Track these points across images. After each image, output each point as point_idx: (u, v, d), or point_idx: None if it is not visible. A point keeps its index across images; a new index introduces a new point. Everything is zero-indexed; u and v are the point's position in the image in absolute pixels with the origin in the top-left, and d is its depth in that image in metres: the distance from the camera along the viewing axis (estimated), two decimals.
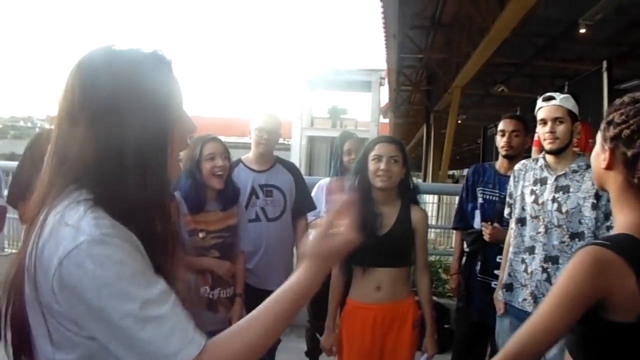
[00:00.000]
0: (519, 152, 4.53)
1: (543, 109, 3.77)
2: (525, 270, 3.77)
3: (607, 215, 3.63)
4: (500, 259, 4.22)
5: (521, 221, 3.88)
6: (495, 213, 4.41)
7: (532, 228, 3.78)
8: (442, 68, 19.02)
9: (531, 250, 3.76)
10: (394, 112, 24.94)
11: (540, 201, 3.74)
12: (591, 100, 7.82)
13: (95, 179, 1.42)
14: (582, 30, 11.56)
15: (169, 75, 1.55)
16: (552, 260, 3.67)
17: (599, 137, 1.98)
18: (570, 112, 3.69)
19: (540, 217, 3.72)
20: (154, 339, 1.32)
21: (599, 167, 1.95)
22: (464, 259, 4.85)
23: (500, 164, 4.62)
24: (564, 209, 3.63)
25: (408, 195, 3.83)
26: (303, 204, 4.88)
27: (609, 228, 3.61)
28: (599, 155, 1.95)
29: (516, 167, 4.04)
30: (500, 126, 4.60)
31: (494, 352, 4.12)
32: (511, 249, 3.93)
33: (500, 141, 4.54)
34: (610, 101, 6.69)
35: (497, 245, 4.27)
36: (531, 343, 1.87)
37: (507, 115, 4.70)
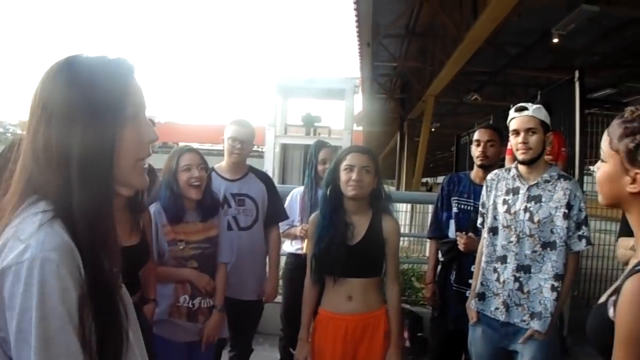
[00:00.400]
0: (494, 161, 4.54)
1: (516, 119, 3.79)
2: (498, 280, 3.80)
3: (579, 225, 3.68)
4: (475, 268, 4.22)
5: (493, 230, 3.89)
6: (470, 223, 4.41)
7: (504, 237, 3.80)
8: (416, 76, 19.10)
9: (503, 259, 3.79)
10: (368, 120, 24.99)
11: (512, 211, 3.77)
12: (563, 109, 7.88)
13: (52, 188, 1.46)
14: (555, 40, 11.63)
15: (127, 82, 1.59)
16: (524, 269, 3.70)
17: (614, 158, 1.88)
18: (542, 123, 3.72)
19: (512, 226, 3.75)
20: None
21: (621, 191, 1.87)
22: (438, 268, 4.83)
23: (475, 173, 4.62)
24: (535, 219, 3.66)
25: (379, 205, 3.82)
26: (275, 213, 4.87)
27: (580, 237, 3.66)
28: (620, 178, 1.85)
29: (488, 177, 4.06)
30: (476, 136, 4.60)
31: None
32: (483, 258, 3.95)
33: (476, 151, 4.55)
34: (582, 110, 6.71)
35: (472, 255, 4.27)
36: None
37: (483, 125, 4.73)
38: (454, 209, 4.61)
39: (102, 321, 1.47)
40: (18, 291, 1.33)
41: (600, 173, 1.95)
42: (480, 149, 4.50)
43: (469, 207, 4.52)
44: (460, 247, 4.38)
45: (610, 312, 1.76)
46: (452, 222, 4.62)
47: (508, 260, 3.75)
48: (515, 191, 3.81)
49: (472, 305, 3.97)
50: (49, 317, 1.34)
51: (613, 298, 1.77)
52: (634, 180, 1.80)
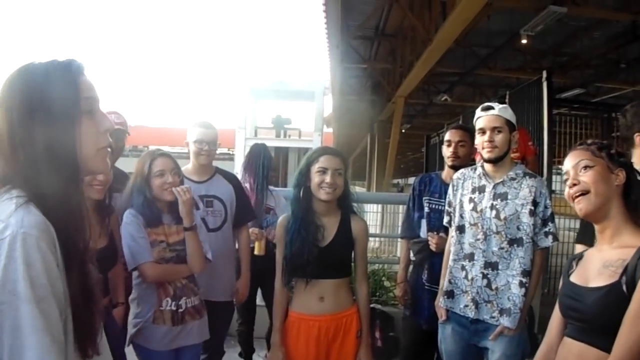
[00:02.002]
0: (465, 162, 4.58)
1: (482, 118, 3.83)
2: (466, 277, 3.83)
3: (545, 221, 3.73)
4: None
5: (460, 229, 3.92)
6: (441, 222, 4.42)
7: (471, 235, 3.84)
8: (386, 78, 19.14)
9: (471, 257, 3.82)
10: (339, 122, 25.00)
11: (478, 209, 3.80)
12: (531, 109, 7.94)
13: (23, 179, 1.60)
14: (524, 41, 11.70)
15: (79, 79, 1.73)
16: (491, 266, 3.73)
17: (602, 162, 2.40)
18: (508, 122, 3.78)
19: (479, 224, 3.78)
20: (35, 347, 1.43)
21: (611, 185, 2.39)
22: (410, 267, 4.86)
23: (446, 173, 4.66)
24: (502, 216, 3.70)
25: (348, 206, 3.83)
26: (244, 213, 4.87)
27: (546, 234, 3.71)
28: (610, 175, 2.39)
29: (455, 175, 4.11)
30: (447, 136, 4.65)
31: (441, 359, 4.14)
32: (451, 257, 3.98)
33: (447, 151, 4.60)
34: (550, 110, 6.79)
35: (443, 254, 4.28)
36: (637, 348, 2.09)
37: (454, 126, 4.76)
38: (426, 209, 4.64)
39: (76, 296, 1.59)
40: (0, 265, 1.42)
41: (594, 174, 2.40)
42: (451, 149, 4.56)
43: (440, 207, 4.54)
44: (432, 247, 4.40)
45: (624, 288, 2.16)
46: (423, 222, 4.65)
47: (475, 257, 3.78)
48: (481, 189, 3.84)
49: (441, 303, 4.00)
50: (35, 286, 1.44)
51: (625, 278, 2.19)
52: (617, 177, 2.35)
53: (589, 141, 2.47)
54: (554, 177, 8.05)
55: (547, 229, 3.72)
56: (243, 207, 4.85)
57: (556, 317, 2.61)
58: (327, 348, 3.68)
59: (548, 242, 3.73)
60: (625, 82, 17.37)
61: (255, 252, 5.20)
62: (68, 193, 1.66)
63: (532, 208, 3.67)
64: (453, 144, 4.57)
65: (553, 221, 3.77)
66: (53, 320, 1.48)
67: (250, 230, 5.14)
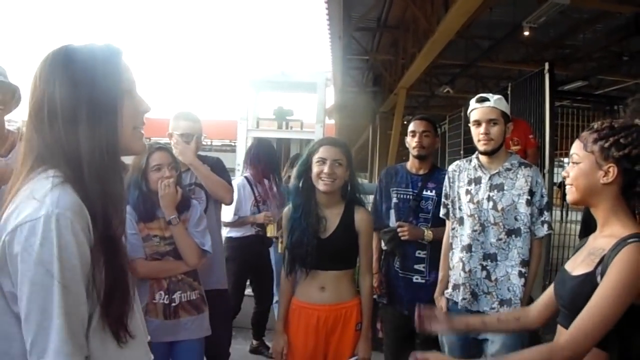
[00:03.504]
0: (430, 152, 4.72)
1: (477, 110, 3.88)
2: (464, 269, 3.83)
3: (541, 211, 3.77)
4: (419, 254, 4.45)
5: (458, 221, 3.95)
6: (409, 210, 4.57)
7: (469, 227, 3.89)
8: (388, 69, 19.08)
9: (469, 248, 3.86)
10: (340, 113, 24.95)
11: (475, 200, 3.85)
12: (533, 101, 7.93)
13: (60, 156, 1.64)
14: (526, 33, 11.66)
15: (119, 62, 1.80)
16: (490, 257, 3.78)
17: (589, 158, 2.40)
18: (503, 114, 3.82)
19: (476, 215, 3.82)
20: (61, 331, 1.47)
21: (595, 183, 2.39)
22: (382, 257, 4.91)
23: (411, 163, 4.77)
24: (499, 207, 3.75)
25: (352, 197, 3.83)
26: None
27: (543, 223, 3.74)
28: (595, 172, 2.38)
29: (450, 168, 4.18)
30: (411, 127, 4.74)
31: (424, 342, 4.19)
32: (450, 248, 4.05)
33: (412, 141, 4.69)
34: (552, 102, 6.80)
35: (414, 242, 4.43)
36: (592, 331, 2.15)
37: (417, 117, 4.88)
38: (394, 199, 4.72)
39: (111, 277, 1.63)
40: (35, 244, 1.46)
41: (576, 171, 2.45)
42: (416, 139, 4.66)
43: (407, 196, 4.66)
44: (404, 236, 4.44)
45: (599, 279, 2.23)
46: (392, 212, 4.74)
47: (474, 249, 3.83)
48: (477, 181, 3.88)
49: (446, 294, 4.02)
50: (66, 268, 1.48)
51: (600, 268, 2.27)
52: (605, 173, 2.33)
53: (595, 126, 2.46)
54: (555, 169, 8.04)
55: (543, 218, 3.76)
56: None
57: (545, 294, 2.71)
58: (325, 338, 3.73)
59: (544, 231, 3.76)
60: (627, 75, 17.31)
61: (268, 234, 5.89)
62: (108, 172, 1.69)
63: (529, 198, 3.70)
64: (417, 134, 4.66)
65: (549, 210, 3.82)
66: (80, 303, 1.53)
67: (264, 213, 5.78)
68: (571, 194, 2.50)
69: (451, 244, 4.09)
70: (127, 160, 3.98)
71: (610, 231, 2.38)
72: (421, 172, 4.69)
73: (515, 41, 14.54)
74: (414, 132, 4.68)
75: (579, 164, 2.43)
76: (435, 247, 4.45)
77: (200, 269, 4.13)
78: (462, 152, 11.69)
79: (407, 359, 2.41)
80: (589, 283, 2.28)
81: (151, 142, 4.12)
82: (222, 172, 4.86)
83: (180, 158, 4.32)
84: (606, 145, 2.34)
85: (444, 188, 4.26)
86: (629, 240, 2.23)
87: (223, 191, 4.54)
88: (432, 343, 4.38)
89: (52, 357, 1.46)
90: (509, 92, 9.27)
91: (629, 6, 11.42)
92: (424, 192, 4.59)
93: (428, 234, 4.46)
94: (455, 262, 3.98)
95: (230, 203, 4.69)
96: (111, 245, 1.66)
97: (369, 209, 4.55)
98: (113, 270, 1.64)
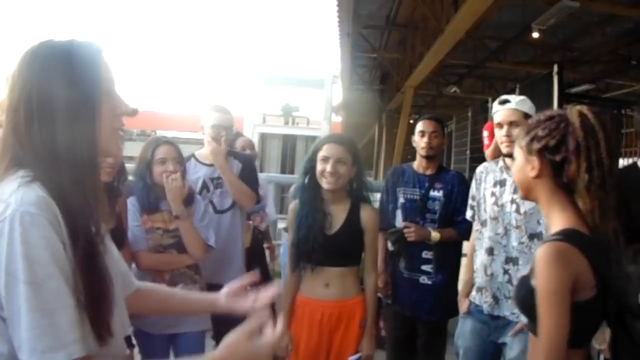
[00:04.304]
0: (438, 152, 4.71)
1: (499, 112, 3.83)
2: (485, 272, 3.82)
3: None
4: (426, 254, 4.42)
5: (482, 223, 3.93)
6: (416, 211, 4.55)
7: (491, 229, 3.85)
8: (396, 68, 19.04)
9: (491, 251, 3.82)
10: (347, 110, 24.96)
11: (499, 203, 3.81)
12: (541, 103, 7.91)
13: (34, 158, 1.58)
14: (535, 35, 11.67)
15: (99, 59, 1.74)
16: (512, 261, 3.73)
17: (520, 152, 2.38)
18: (526, 115, 3.73)
19: (500, 218, 3.79)
20: (32, 327, 1.41)
21: (527, 177, 2.34)
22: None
23: (418, 163, 4.74)
24: (522, 210, 3.70)
25: (358, 194, 3.84)
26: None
27: None
28: (525, 167, 2.34)
29: (478, 169, 4.14)
30: (420, 127, 4.70)
31: (425, 343, 4.35)
32: (474, 250, 4.04)
33: (421, 142, 4.65)
34: (561, 104, 6.82)
35: (420, 242, 4.40)
36: (554, 342, 2.11)
37: (426, 117, 4.83)
38: (401, 199, 4.69)
39: (85, 279, 1.55)
40: (3, 246, 1.42)
41: (514, 167, 2.47)
42: (425, 139, 4.62)
43: (414, 196, 4.62)
44: (410, 237, 4.41)
45: (533, 281, 2.20)
46: (398, 212, 4.70)
47: (495, 252, 3.80)
48: (502, 183, 3.85)
49: (471, 296, 4.01)
50: (36, 264, 1.43)
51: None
52: (533, 167, 2.29)
53: (531, 122, 2.43)
54: None
55: None
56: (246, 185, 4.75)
57: None
58: (329, 334, 3.72)
59: None
60: (635, 79, 17.29)
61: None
62: (85, 173, 1.64)
63: None
64: (427, 135, 4.62)
65: None
66: (62, 296, 1.47)
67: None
68: (519, 190, 2.51)
69: (474, 245, 4.09)
70: (135, 153, 4.01)
71: (550, 228, 2.34)
72: (428, 172, 4.66)
73: (524, 42, 14.51)
74: (422, 132, 4.65)
75: (516, 159, 2.42)
76: (441, 248, 4.45)
77: (217, 262, 4.21)
78: (468, 152, 11.68)
79: (408, 359, 2.43)
80: (525, 286, 2.29)
81: (157, 136, 4.15)
82: (252, 171, 4.89)
83: (210, 157, 4.41)
84: (529, 138, 2.32)
85: (470, 189, 4.23)
86: (546, 241, 2.23)
87: (244, 199, 4.56)
88: (434, 345, 4.39)
89: (27, 356, 1.42)
90: (516, 94, 9.26)
91: (638, 10, 11.40)
92: (431, 193, 4.56)
93: (435, 235, 4.44)
94: (478, 265, 3.95)
95: (250, 208, 4.69)
96: (88, 245, 1.60)
97: (375, 206, 4.55)
98: (88, 271, 1.57)
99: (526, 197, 2.45)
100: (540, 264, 2.13)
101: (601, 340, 3.33)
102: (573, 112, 2.26)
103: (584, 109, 2.28)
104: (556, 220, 2.27)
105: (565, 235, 2.17)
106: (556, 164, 2.22)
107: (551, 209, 2.31)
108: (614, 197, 2.23)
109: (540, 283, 2.13)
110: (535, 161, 2.28)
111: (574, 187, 2.21)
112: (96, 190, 1.71)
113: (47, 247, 1.46)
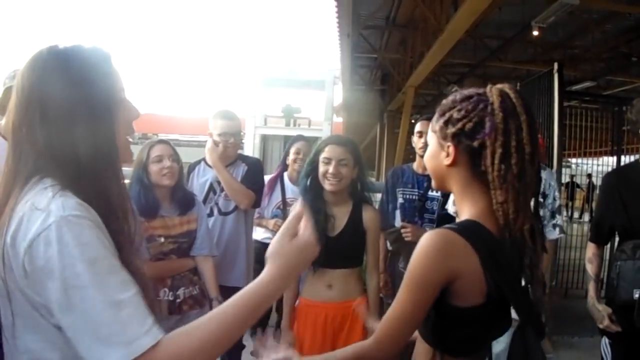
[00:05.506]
0: None
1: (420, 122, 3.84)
2: None
3: (553, 214, 3.73)
4: None
5: None
6: (414, 211, 4.56)
7: None
8: (396, 68, 19.07)
9: None
10: (348, 111, 24.98)
11: None
12: (542, 101, 7.91)
13: (56, 167, 1.55)
14: (535, 33, 11.67)
15: (110, 67, 1.70)
16: None
17: (433, 137, 2.08)
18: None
19: None
20: (111, 323, 1.37)
21: (440, 166, 2.04)
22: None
23: (417, 164, 4.74)
24: None
25: (360, 195, 3.84)
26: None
27: (554, 226, 3.70)
28: (438, 154, 2.03)
29: None
30: (418, 127, 4.71)
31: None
32: None
33: (419, 142, 4.66)
34: (561, 102, 6.76)
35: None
36: (392, 331, 1.97)
37: (424, 117, 4.83)
38: (400, 200, 4.71)
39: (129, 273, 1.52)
40: (53, 253, 1.38)
41: (426, 154, 2.15)
42: (423, 139, 4.58)
43: (413, 197, 4.63)
44: (408, 237, 4.41)
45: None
46: (397, 213, 4.72)
47: None
48: None
49: None
50: (95, 263, 1.41)
51: None
52: (447, 154, 1.97)
53: (445, 103, 2.09)
54: (563, 169, 8.04)
55: (555, 221, 3.73)
56: (248, 186, 4.73)
57: None
58: (333, 335, 3.71)
59: (555, 234, 3.73)
60: (636, 76, 17.34)
61: None
62: (109, 181, 1.64)
63: (542, 200, 3.67)
64: (424, 135, 4.55)
65: (561, 213, 3.78)
66: (128, 286, 1.45)
67: (274, 220, 5.55)
68: (432, 180, 2.20)
69: None
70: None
71: (463, 217, 2.03)
72: (427, 172, 4.62)
73: (524, 41, 14.55)
74: (420, 132, 4.64)
75: (429, 146, 2.14)
76: None
77: (221, 264, 4.27)
78: None
79: (406, 357, 2.32)
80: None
81: (152, 139, 4.18)
82: (258, 174, 4.89)
83: (206, 157, 4.51)
84: (443, 121, 2.01)
85: None
86: (438, 228, 1.94)
87: (238, 197, 4.54)
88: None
89: (114, 352, 1.36)
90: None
91: (638, 7, 11.40)
92: (430, 193, 4.57)
93: None
94: None
95: (248, 207, 4.68)
96: (126, 248, 1.61)
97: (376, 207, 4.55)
98: (134, 273, 1.54)
99: (440, 187, 2.15)
100: (418, 248, 1.91)
101: (600, 319, 3.34)
102: (493, 91, 1.94)
103: (506, 86, 1.96)
104: (464, 212, 2.00)
105: (462, 226, 1.92)
106: (474, 151, 1.91)
107: (463, 202, 2.02)
108: (533, 190, 2.02)
109: (410, 267, 1.92)
110: (450, 147, 1.97)
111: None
112: (123, 195, 1.71)
113: (102, 245, 1.46)
